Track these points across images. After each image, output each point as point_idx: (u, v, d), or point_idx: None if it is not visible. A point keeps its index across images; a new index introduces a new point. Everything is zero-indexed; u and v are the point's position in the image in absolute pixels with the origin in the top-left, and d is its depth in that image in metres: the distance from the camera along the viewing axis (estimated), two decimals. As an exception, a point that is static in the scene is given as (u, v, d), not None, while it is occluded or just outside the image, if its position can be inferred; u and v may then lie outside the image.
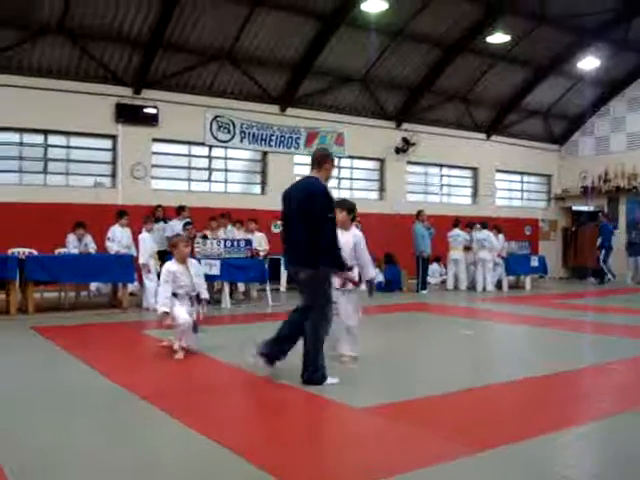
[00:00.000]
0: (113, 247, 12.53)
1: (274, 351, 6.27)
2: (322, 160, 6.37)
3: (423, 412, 5.30)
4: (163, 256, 13.12)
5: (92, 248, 12.74)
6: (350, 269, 6.81)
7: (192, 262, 7.88)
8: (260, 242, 14.81)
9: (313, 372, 6.03)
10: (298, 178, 6.88)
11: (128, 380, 6.13)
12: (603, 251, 20.07)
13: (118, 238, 12.63)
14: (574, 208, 24.67)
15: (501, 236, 17.59)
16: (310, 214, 6.04)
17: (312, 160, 6.41)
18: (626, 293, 17.59)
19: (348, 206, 7.14)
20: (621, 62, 21.36)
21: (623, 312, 12.95)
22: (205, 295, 7.81)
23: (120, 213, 13.00)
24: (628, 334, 9.67)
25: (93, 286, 13.17)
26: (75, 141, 15.70)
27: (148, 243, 12.28)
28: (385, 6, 15.42)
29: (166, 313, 7.35)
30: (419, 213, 16.92)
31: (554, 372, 6.74)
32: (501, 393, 6.05)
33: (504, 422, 5.06)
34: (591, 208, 23.97)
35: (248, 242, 13.66)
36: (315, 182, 6.26)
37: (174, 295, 7.47)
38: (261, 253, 14.55)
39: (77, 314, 11.37)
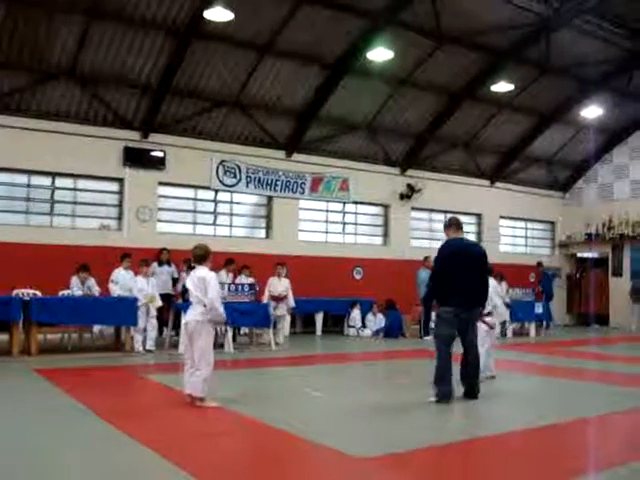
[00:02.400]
0: (116, 290, 12.56)
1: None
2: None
3: (426, 463, 5.27)
4: (167, 299, 13.17)
5: (96, 291, 12.77)
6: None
7: None
8: (286, 288, 14.57)
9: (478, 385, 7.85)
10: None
11: (129, 426, 6.11)
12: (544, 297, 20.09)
13: (122, 281, 12.66)
14: (578, 255, 24.67)
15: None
16: (484, 268, 7.99)
17: (455, 223, 8.19)
18: (630, 341, 17.54)
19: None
20: (623, 111, 21.59)
21: (626, 361, 12.88)
22: None
23: (123, 256, 13.06)
24: (630, 383, 9.60)
25: (96, 328, 13.15)
26: (82, 184, 15.84)
27: (139, 285, 12.32)
28: (390, 55, 15.68)
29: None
30: (426, 259, 16.90)
31: (555, 422, 6.69)
32: (504, 443, 5.99)
33: (510, 473, 5.02)
34: (595, 255, 23.98)
35: (252, 286, 13.67)
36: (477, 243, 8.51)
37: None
38: (290, 300, 14.53)
39: (80, 356, 11.35)
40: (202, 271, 7.24)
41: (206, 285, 7.07)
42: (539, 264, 21.24)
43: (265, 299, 14.05)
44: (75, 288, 12.62)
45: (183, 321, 7.58)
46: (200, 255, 7.43)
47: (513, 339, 17.01)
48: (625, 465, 5.16)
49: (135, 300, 12.04)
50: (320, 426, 6.41)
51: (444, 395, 7.51)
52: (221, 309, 7.17)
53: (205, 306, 7.07)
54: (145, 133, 16.14)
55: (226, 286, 13.06)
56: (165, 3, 14.06)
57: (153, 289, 12.51)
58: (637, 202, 22.37)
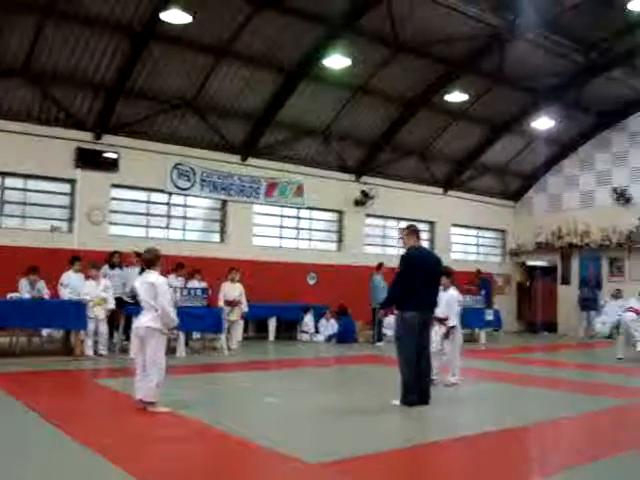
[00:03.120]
0: (65, 293, 12.35)
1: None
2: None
3: (382, 468, 5.30)
4: (120, 303, 12.98)
5: (45, 294, 12.54)
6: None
7: None
8: (240, 293, 14.48)
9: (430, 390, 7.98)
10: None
11: (78, 432, 6.02)
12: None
13: (72, 284, 12.45)
14: (528, 263, 25.09)
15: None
16: (439, 276, 8.50)
17: (416, 231, 8.46)
18: (578, 347, 17.90)
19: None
20: (574, 123, 22.05)
21: (574, 367, 13.14)
22: None
23: (73, 259, 12.85)
24: (578, 389, 9.79)
25: (45, 332, 12.93)
26: (33, 184, 15.55)
27: (86, 289, 12.18)
28: (347, 62, 15.76)
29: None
30: (380, 265, 17.05)
31: (504, 428, 6.78)
32: (459, 448, 6.06)
33: (464, 477, 5.08)
34: (545, 264, 24.41)
35: (205, 291, 13.59)
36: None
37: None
38: (244, 305, 14.41)
39: (28, 360, 11.12)
40: (152, 276, 7.16)
41: (156, 290, 7.01)
42: (478, 271, 21.63)
43: (220, 304, 13.96)
44: (24, 290, 12.39)
45: (134, 326, 7.50)
46: (150, 259, 7.33)
47: (464, 345, 17.16)
48: (573, 468, 5.26)
49: (84, 304, 11.86)
50: (274, 432, 6.40)
51: (411, 403, 7.72)
52: (173, 314, 7.13)
53: (157, 311, 7.01)
54: (98, 134, 15.93)
55: (178, 291, 12.96)
56: (121, 3, 13.92)
57: (107, 291, 12.37)
58: (586, 212, 22.86)
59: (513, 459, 5.71)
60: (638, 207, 21.45)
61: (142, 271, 7.46)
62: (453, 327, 9.64)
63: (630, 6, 14.91)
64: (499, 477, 5.07)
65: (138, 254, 13.04)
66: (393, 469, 5.36)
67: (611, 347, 15.41)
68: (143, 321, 7.10)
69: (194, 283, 14.37)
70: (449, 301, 9.47)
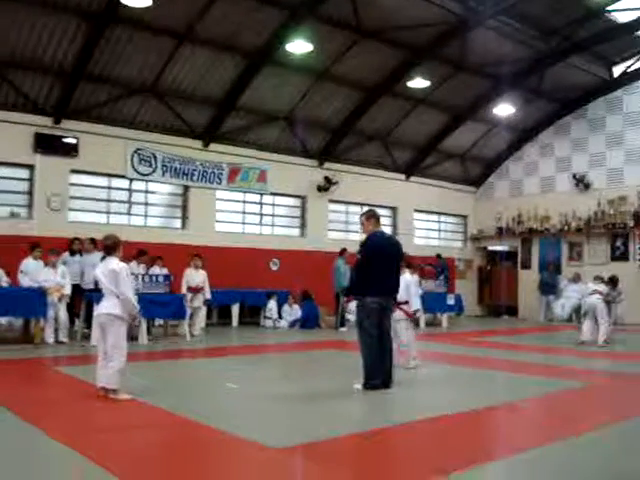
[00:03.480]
0: (25, 281, 12.17)
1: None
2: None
3: (344, 452, 5.34)
4: (78, 291, 12.83)
5: (5, 282, 12.35)
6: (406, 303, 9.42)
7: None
8: (204, 280, 14.44)
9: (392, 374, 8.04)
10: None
11: (40, 420, 5.96)
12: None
13: (31, 271, 12.28)
14: (489, 248, 25.38)
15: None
16: (401, 260, 8.45)
17: (376, 216, 8.40)
18: (538, 331, 18.18)
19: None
20: (534, 109, 22.28)
21: (534, 351, 13.34)
22: None
23: (33, 246, 12.65)
24: (537, 372, 9.95)
25: (4, 320, 12.74)
26: (-10, 170, 15.29)
27: (42, 276, 12.00)
28: (310, 48, 15.73)
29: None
30: (343, 250, 17.10)
31: (464, 410, 6.87)
32: (413, 432, 6.12)
33: (428, 458, 5.15)
34: (506, 248, 24.72)
35: (167, 277, 13.51)
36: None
37: None
38: (207, 292, 14.34)
39: (-14, 349, 10.99)
40: (112, 263, 7.09)
41: (117, 277, 6.95)
42: (438, 256, 21.86)
43: (183, 290, 13.89)
44: (-18, 279, 12.20)
45: (95, 313, 7.44)
46: (109, 246, 7.25)
47: (426, 329, 17.36)
48: (531, 450, 5.36)
49: (44, 291, 11.70)
50: (237, 418, 6.41)
51: (374, 387, 7.77)
52: (134, 301, 7.08)
53: (118, 298, 6.96)
54: (57, 119, 15.68)
55: (140, 277, 12.87)
56: (80, -14, 13.69)
57: (64, 277, 12.21)
58: (546, 197, 23.18)
59: (471, 441, 5.79)
60: (597, 193, 21.78)
61: (103, 258, 7.36)
62: (418, 310, 9.71)
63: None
64: (457, 458, 5.13)
65: (93, 240, 12.95)
66: (354, 452, 5.41)
67: (571, 331, 15.68)
68: (104, 308, 7.05)
69: (156, 270, 14.25)
70: (407, 285, 9.47)
